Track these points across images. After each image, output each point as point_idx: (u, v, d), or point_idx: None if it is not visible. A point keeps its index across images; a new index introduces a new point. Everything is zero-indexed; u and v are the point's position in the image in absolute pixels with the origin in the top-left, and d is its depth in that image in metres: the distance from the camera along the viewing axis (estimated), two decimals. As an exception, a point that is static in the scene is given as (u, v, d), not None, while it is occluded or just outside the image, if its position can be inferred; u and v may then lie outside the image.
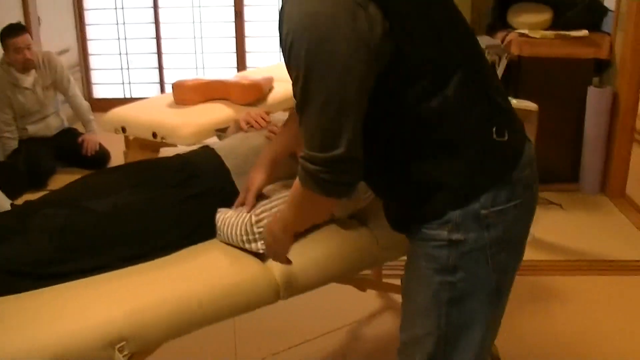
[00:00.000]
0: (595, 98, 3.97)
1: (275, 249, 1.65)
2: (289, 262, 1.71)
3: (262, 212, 1.86)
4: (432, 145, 1.35)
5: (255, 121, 2.21)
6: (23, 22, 4.68)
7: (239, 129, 2.26)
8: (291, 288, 1.85)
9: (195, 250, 1.91)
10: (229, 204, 1.96)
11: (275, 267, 1.84)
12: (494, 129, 1.36)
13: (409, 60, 1.27)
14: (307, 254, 1.89)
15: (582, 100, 4.01)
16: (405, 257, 1.52)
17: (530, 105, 3.25)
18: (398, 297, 2.79)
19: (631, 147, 4.00)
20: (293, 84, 1.27)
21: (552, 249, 3.40)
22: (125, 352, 1.61)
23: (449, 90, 1.30)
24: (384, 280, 2.88)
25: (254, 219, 1.84)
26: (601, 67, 4.06)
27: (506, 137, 1.37)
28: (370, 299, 2.91)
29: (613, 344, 2.62)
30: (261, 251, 1.86)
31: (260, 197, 1.92)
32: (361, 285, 2.68)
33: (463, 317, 1.42)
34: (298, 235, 1.90)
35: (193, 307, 1.70)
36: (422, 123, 1.32)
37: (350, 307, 2.83)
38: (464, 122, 1.34)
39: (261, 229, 1.83)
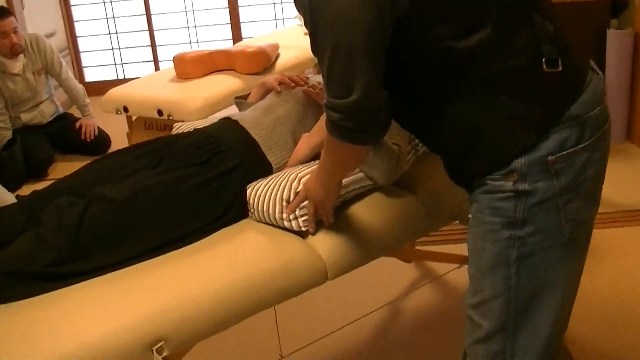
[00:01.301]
0: (616, 41, 3.81)
1: (317, 204, 1.62)
2: (331, 221, 1.66)
3: (298, 185, 1.69)
4: (474, 87, 1.23)
5: (290, 79, 2.01)
6: (5, 5, 4.48)
7: (264, 93, 2.07)
8: (338, 266, 1.69)
9: (228, 233, 1.73)
10: (260, 178, 1.79)
11: (319, 245, 1.67)
12: (544, 60, 1.21)
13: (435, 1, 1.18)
14: (352, 229, 1.72)
15: (601, 45, 3.84)
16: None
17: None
18: (438, 266, 2.77)
19: (655, 90, 3.84)
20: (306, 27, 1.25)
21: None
22: (165, 353, 1.44)
23: (485, 23, 1.19)
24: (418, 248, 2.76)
25: (292, 193, 1.67)
26: (618, 9, 3.89)
27: (560, 68, 1.22)
28: (410, 271, 2.79)
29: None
30: (303, 229, 1.68)
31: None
32: (406, 256, 2.53)
33: (535, 276, 1.29)
34: (342, 210, 1.75)
35: (235, 297, 1.53)
36: (460, 63, 1.22)
37: (391, 281, 2.71)
38: (505, 56, 1.21)
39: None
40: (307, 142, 1.83)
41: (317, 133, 1.82)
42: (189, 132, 1.93)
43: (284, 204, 1.69)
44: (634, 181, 3.51)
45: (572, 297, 1.37)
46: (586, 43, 3.87)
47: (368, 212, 1.78)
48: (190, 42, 5.88)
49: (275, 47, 3.57)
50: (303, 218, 1.68)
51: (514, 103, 1.22)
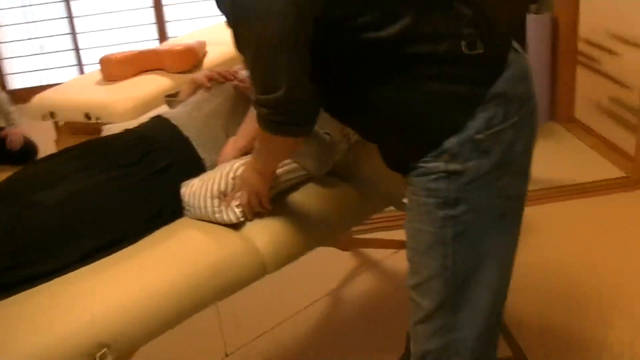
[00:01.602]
0: (535, 25, 3.91)
1: (251, 194, 1.65)
2: (268, 207, 1.69)
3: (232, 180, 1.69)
4: (400, 74, 1.26)
5: (220, 74, 2.01)
6: None
7: (194, 90, 2.07)
8: (277, 259, 1.69)
9: (165, 233, 1.72)
10: (195, 176, 1.78)
11: (257, 239, 1.68)
12: (463, 43, 1.25)
13: None
14: (288, 220, 1.73)
15: (522, 29, 3.93)
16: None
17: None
18: (375, 253, 2.80)
19: (575, 70, 3.96)
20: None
21: (516, 182, 3.35)
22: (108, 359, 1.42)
23: (404, 12, 1.22)
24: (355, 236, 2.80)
25: (228, 184, 1.68)
26: (537, -7, 4.00)
27: (480, 50, 1.26)
28: (348, 259, 2.82)
29: (592, 265, 2.62)
30: (241, 219, 1.69)
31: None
32: (344, 245, 2.56)
33: (472, 253, 1.33)
34: (277, 201, 1.76)
35: (176, 297, 1.52)
36: (383, 52, 1.25)
37: (330, 270, 2.73)
38: (426, 42, 1.24)
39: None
40: (233, 145, 1.83)
41: (243, 136, 1.82)
42: (119, 133, 1.90)
43: (221, 196, 1.70)
44: (560, 159, 3.62)
45: (509, 270, 1.42)
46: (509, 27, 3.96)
47: (304, 202, 1.79)
48: (116, 44, 5.77)
49: (203, 44, 3.54)
50: (239, 209, 1.69)
51: (439, 86, 1.25)
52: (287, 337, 2.38)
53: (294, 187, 1.81)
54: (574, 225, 2.94)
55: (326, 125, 1.79)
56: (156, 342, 1.56)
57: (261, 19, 1.19)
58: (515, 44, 1.36)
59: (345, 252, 2.81)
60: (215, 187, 1.69)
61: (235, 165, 1.71)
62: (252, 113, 1.77)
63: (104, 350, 1.41)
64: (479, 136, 1.26)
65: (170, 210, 1.75)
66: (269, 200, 1.69)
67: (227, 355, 2.29)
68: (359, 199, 1.88)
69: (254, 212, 1.69)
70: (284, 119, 1.32)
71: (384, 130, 1.35)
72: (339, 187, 1.87)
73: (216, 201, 1.70)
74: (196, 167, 1.82)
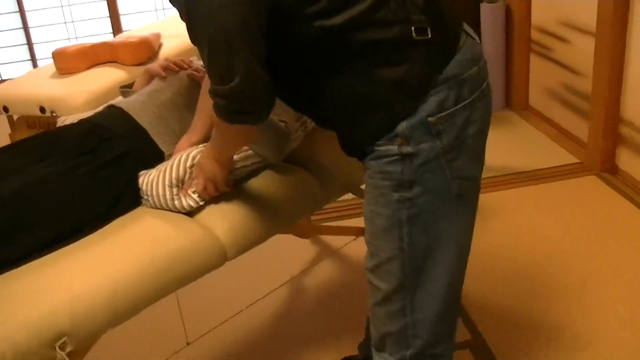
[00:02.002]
0: (489, 14, 3.97)
1: (207, 180, 1.65)
2: (226, 190, 1.70)
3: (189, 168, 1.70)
4: (352, 60, 1.28)
5: (175, 64, 2.00)
6: None
7: (148, 81, 2.05)
8: (237, 246, 1.69)
9: (123, 222, 1.70)
10: (151, 165, 1.77)
11: (217, 227, 1.68)
12: (413, 29, 1.27)
13: None
14: (247, 208, 1.74)
15: (476, 18, 3.98)
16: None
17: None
18: (334, 240, 2.82)
19: (529, 58, 4.02)
20: None
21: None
22: (69, 349, 1.41)
23: (354, 1, 1.24)
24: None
25: (186, 171, 1.68)
26: (490, -17, 4.05)
27: (429, 36, 1.27)
28: (308, 247, 2.83)
29: (548, 248, 2.66)
30: (201, 202, 1.70)
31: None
32: (303, 232, 2.57)
33: (427, 235, 1.35)
34: (236, 189, 1.76)
35: (135, 286, 1.52)
36: (335, 39, 1.26)
37: (290, 258, 2.74)
38: (377, 29, 1.26)
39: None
40: (187, 141, 1.82)
41: (196, 132, 1.82)
42: (73, 124, 1.88)
43: (179, 184, 1.70)
44: (515, 146, 3.68)
45: (466, 251, 1.45)
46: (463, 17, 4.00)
47: (262, 189, 1.79)
48: (69, 38, 5.69)
49: (158, 36, 3.51)
50: (196, 195, 1.69)
51: (391, 71, 1.27)
52: (249, 325, 2.38)
53: (252, 174, 1.82)
54: (530, 211, 2.99)
55: (282, 113, 1.80)
56: (117, 330, 1.56)
57: (215, 12, 1.20)
58: (468, 29, 1.38)
59: (305, 240, 2.82)
60: (173, 174, 1.69)
61: (192, 154, 1.71)
62: (202, 106, 1.79)
63: (63, 339, 1.40)
64: (431, 119, 1.28)
65: (127, 198, 1.74)
66: (226, 184, 1.69)
67: (188, 344, 2.28)
68: (318, 186, 1.89)
69: (210, 197, 1.70)
70: (240, 108, 1.32)
71: (339, 118, 1.36)
72: (297, 174, 1.88)
73: (175, 189, 1.69)
74: (153, 155, 1.81)
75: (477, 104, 1.33)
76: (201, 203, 1.70)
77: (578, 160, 3.43)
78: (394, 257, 1.37)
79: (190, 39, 1.28)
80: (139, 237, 1.64)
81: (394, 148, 1.30)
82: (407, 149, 1.29)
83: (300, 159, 1.93)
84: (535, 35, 3.89)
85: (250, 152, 1.78)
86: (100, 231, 1.66)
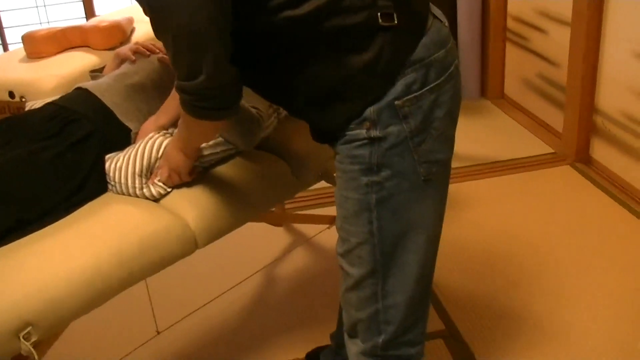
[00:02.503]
0: (465, 3, 3.96)
1: (171, 170, 1.66)
2: (188, 179, 1.70)
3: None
4: (320, 48, 1.26)
5: (145, 48, 1.97)
6: None
7: (119, 64, 2.02)
8: (208, 233, 1.67)
9: (91, 209, 1.67)
10: (118, 144, 1.75)
11: (187, 214, 1.65)
12: (379, 15, 1.25)
13: None
14: (219, 194, 1.71)
15: (452, 7, 3.97)
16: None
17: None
18: (308, 229, 2.80)
19: (504, 47, 4.02)
20: None
21: (448, 158, 3.39)
22: (34, 339, 1.38)
23: None
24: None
25: (151, 160, 1.65)
26: (466, -29, 4.03)
27: (396, 21, 1.26)
28: (281, 235, 2.81)
29: (522, 238, 2.67)
30: (169, 189, 1.69)
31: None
32: (276, 220, 2.55)
33: (397, 219, 1.34)
34: (207, 175, 1.74)
35: (103, 274, 1.49)
36: (301, 29, 1.25)
37: (263, 246, 2.72)
38: (343, 16, 1.24)
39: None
40: (155, 122, 1.79)
41: (164, 113, 1.79)
42: (39, 107, 1.84)
43: (148, 174, 1.68)
44: (490, 136, 3.68)
45: (436, 236, 1.44)
46: (438, 4, 3.98)
47: (234, 176, 1.77)
48: (41, 23, 5.60)
49: (130, 20, 3.45)
50: (161, 183, 1.68)
51: (359, 58, 1.25)
52: (220, 314, 2.36)
53: (224, 160, 1.79)
54: (504, 201, 2.99)
55: (254, 100, 1.77)
56: (85, 319, 1.53)
57: (180, 9, 1.19)
58: (436, 11, 1.37)
59: (278, 228, 2.80)
60: (144, 163, 1.67)
61: (157, 143, 1.69)
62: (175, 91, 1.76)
63: (28, 329, 1.37)
64: (398, 102, 1.27)
65: (95, 180, 1.71)
66: (189, 174, 1.69)
67: (158, 333, 2.26)
68: (290, 173, 1.87)
69: (174, 185, 1.70)
70: (207, 104, 1.32)
71: (310, 105, 1.35)
72: (269, 161, 1.85)
73: (144, 179, 1.68)
74: (121, 136, 1.78)
75: (444, 87, 1.33)
76: (169, 190, 1.68)
77: (552, 150, 3.44)
78: (364, 242, 1.36)
79: (154, 33, 1.27)
80: (107, 224, 1.60)
81: (362, 132, 1.29)
82: (375, 132, 1.28)
83: (274, 146, 1.90)
84: (511, 24, 3.89)
85: (220, 139, 1.75)
86: (67, 218, 1.63)
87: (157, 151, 1.68)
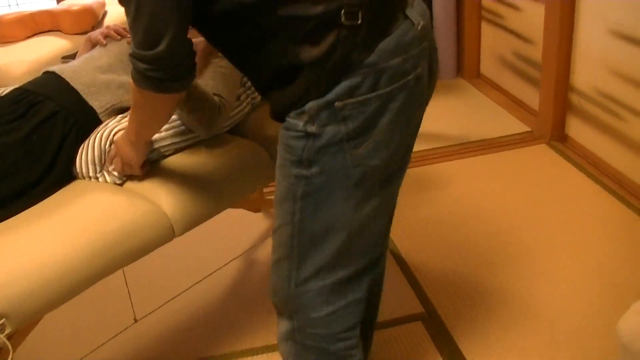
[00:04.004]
0: (440, -19, 3.94)
1: (123, 162, 1.66)
2: (142, 174, 1.71)
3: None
4: (276, 36, 1.24)
5: (115, 31, 1.95)
6: None
7: (90, 49, 1.99)
8: (185, 221, 1.66)
9: (65, 196, 1.65)
10: (83, 123, 1.74)
11: (163, 201, 1.64)
12: (343, 12, 1.21)
13: None
14: (195, 182, 1.70)
15: (427, -15, 3.96)
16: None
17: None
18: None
19: (480, 25, 4.01)
20: None
21: (424, 139, 3.40)
22: (8, 330, 1.36)
23: None
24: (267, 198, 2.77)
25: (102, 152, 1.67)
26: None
27: (359, 21, 1.21)
28: (260, 220, 2.80)
29: (499, 218, 2.67)
30: (124, 178, 1.71)
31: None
32: (254, 206, 2.53)
33: (319, 216, 1.33)
34: (182, 162, 1.72)
35: (79, 264, 1.47)
36: (255, 14, 1.23)
37: (242, 232, 2.71)
38: (298, 5, 1.21)
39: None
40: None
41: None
42: (6, 92, 1.82)
43: (101, 162, 1.70)
44: (466, 115, 3.68)
45: (361, 239, 1.41)
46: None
47: (210, 162, 1.75)
48: (10, 5, 5.51)
49: (102, 4, 3.40)
50: (115, 172, 1.69)
51: (308, 51, 1.22)
52: (198, 301, 2.34)
53: (200, 146, 1.78)
54: (481, 180, 3.00)
55: (217, 87, 1.77)
56: (62, 308, 1.52)
57: None
58: (415, 10, 1.31)
59: (257, 214, 2.78)
60: (95, 153, 1.69)
61: (107, 131, 1.70)
62: None
63: (2, 321, 1.35)
64: (338, 103, 1.23)
65: (63, 159, 1.71)
66: (141, 169, 1.69)
67: (136, 321, 2.24)
68: (267, 158, 1.85)
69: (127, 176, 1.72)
70: (161, 75, 1.31)
71: (267, 82, 1.33)
72: (246, 147, 1.84)
73: (97, 167, 1.70)
74: (87, 115, 1.78)
75: (396, 95, 1.27)
76: (123, 179, 1.70)
77: (529, 129, 3.45)
78: (285, 226, 1.36)
79: (118, 1, 1.25)
80: (82, 213, 1.59)
81: (300, 124, 1.26)
82: (312, 128, 1.26)
83: (250, 130, 1.89)
84: (486, 2, 3.88)
85: (180, 128, 1.75)
86: (41, 206, 1.61)
87: (107, 139, 1.69)
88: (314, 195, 1.31)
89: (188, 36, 1.29)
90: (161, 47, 1.25)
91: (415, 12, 1.30)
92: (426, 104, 1.43)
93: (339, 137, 1.25)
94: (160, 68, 1.29)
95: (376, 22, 1.23)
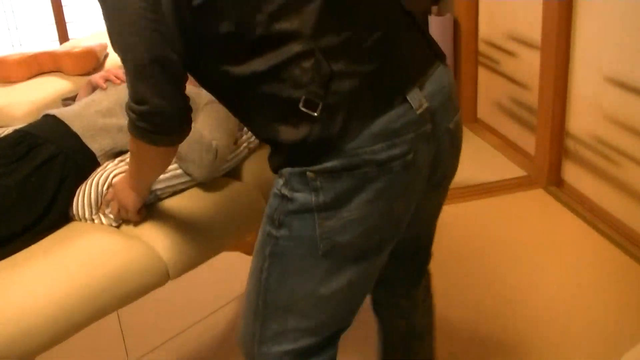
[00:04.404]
0: (437, 27, 3.99)
1: (122, 208, 1.67)
2: (139, 218, 1.72)
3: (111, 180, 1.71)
4: (256, 105, 1.25)
5: (115, 76, 1.97)
6: None
7: (90, 92, 2.02)
8: (180, 265, 1.66)
9: (62, 237, 1.67)
10: (83, 166, 1.77)
11: (158, 244, 1.64)
12: (303, 97, 1.18)
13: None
14: (191, 225, 1.71)
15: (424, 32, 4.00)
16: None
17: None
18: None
19: (477, 70, 4.05)
20: None
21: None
22: (0, 372, 1.36)
23: (256, 54, 1.19)
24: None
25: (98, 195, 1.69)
26: (438, -4, 4.09)
27: (316, 113, 1.18)
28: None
29: (496, 262, 2.66)
30: (119, 221, 1.72)
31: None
32: (250, 249, 2.52)
33: (284, 281, 1.30)
34: (178, 205, 1.74)
35: (72, 307, 1.47)
36: (239, 85, 1.23)
37: (237, 275, 2.70)
38: (278, 85, 1.19)
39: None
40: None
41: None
42: (6, 134, 1.85)
43: (97, 204, 1.71)
44: (464, 159, 3.54)
45: (330, 310, 1.35)
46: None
47: (206, 206, 1.76)
48: (13, 45, 5.57)
49: (104, 46, 3.44)
50: (111, 215, 1.70)
51: (286, 132, 1.21)
52: (192, 344, 2.33)
53: (197, 190, 1.79)
54: (478, 225, 3.00)
55: (214, 131, 1.79)
56: (55, 348, 1.51)
57: (125, 37, 1.21)
58: (420, 94, 1.25)
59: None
60: (92, 196, 1.70)
61: (105, 175, 1.72)
62: None
63: (-6, 363, 1.35)
64: (310, 174, 1.21)
65: (62, 201, 1.73)
66: (137, 213, 1.69)
67: (130, 364, 2.23)
68: (263, 203, 1.86)
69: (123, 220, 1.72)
70: (152, 128, 1.31)
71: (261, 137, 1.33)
72: (241, 191, 1.85)
73: (93, 210, 1.71)
74: (86, 158, 1.80)
75: (375, 177, 1.22)
76: (119, 222, 1.71)
77: (525, 173, 3.47)
78: (254, 281, 1.34)
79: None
80: (77, 255, 1.60)
81: (280, 183, 1.26)
82: (285, 190, 1.24)
83: (246, 174, 1.90)
84: (482, 48, 3.93)
85: (177, 171, 1.77)
86: (37, 246, 1.62)
87: (105, 182, 1.70)
88: (281, 258, 1.28)
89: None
90: (146, 106, 1.26)
91: (425, 92, 1.26)
92: (436, 188, 1.41)
93: (309, 206, 1.23)
94: (150, 122, 1.29)
95: (357, 109, 1.20)
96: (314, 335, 1.36)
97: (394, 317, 1.72)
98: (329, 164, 1.20)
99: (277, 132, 1.22)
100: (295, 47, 1.17)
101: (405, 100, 1.23)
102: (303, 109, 1.18)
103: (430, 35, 1.38)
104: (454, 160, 1.44)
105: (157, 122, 1.29)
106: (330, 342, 1.39)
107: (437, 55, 1.35)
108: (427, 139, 1.27)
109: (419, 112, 1.23)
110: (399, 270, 1.61)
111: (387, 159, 1.22)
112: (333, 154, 1.20)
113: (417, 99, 1.24)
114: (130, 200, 1.64)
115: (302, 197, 1.23)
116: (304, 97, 1.18)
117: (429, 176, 1.34)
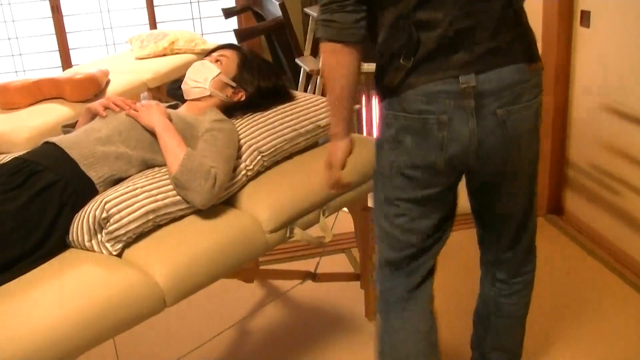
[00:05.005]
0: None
1: (329, 162, 1.75)
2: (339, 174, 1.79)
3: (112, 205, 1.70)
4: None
5: (115, 103, 1.97)
6: None
7: (90, 119, 2.02)
8: (176, 292, 1.66)
9: (59, 265, 1.66)
10: (81, 193, 1.76)
11: (155, 272, 1.64)
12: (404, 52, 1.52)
13: None
14: (188, 252, 1.70)
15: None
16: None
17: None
18: (281, 284, 2.77)
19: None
20: None
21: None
22: (-6, 400, 1.35)
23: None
24: (261, 267, 2.76)
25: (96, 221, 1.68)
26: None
27: (409, 65, 1.52)
28: (253, 290, 2.78)
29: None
30: (114, 253, 1.70)
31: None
32: (247, 276, 2.52)
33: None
34: (175, 231, 1.73)
35: (68, 335, 1.46)
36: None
37: (235, 302, 2.69)
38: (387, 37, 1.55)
39: (114, 226, 1.68)
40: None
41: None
42: (5, 162, 1.85)
43: (94, 230, 1.69)
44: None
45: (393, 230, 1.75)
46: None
47: (204, 233, 1.76)
48: (17, 71, 5.60)
49: (106, 73, 3.47)
50: (110, 244, 1.68)
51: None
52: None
53: (195, 217, 1.79)
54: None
55: (213, 158, 1.79)
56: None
57: None
58: (476, 77, 1.51)
59: (251, 284, 2.77)
60: (90, 221, 1.69)
61: (105, 201, 1.70)
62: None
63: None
64: (385, 111, 1.63)
65: (60, 228, 1.72)
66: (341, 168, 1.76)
67: (125, 392, 2.21)
68: (260, 230, 1.85)
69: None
70: (327, 17, 1.52)
71: None
72: (240, 218, 1.85)
73: (92, 236, 1.70)
74: (85, 186, 1.80)
75: (416, 123, 1.56)
76: (118, 250, 1.70)
77: (529, 201, 3.45)
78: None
79: None
80: (74, 282, 1.59)
81: None
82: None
83: (245, 202, 1.90)
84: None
85: (175, 198, 1.77)
86: (34, 274, 1.62)
87: (102, 208, 1.68)
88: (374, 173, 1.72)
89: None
90: None
91: (484, 77, 1.51)
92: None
93: (384, 138, 1.63)
94: (326, 10, 1.51)
95: (421, 71, 1.52)
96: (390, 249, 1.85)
97: (489, 286, 2.09)
98: (394, 100, 1.57)
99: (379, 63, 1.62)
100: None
101: (456, 77, 1.51)
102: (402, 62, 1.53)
103: (529, 36, 1.59)
104: (513, 151, 1.62)
105: (334, 9, 1.50)
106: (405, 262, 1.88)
107: (524, 54, 1.56)
108: (466, 111, 1.52)
109: (462, 86, 1.50)
110: (490, 235, 2.00)
111: (426, 111, 1.53)
112: (398, 94, 1.55)
113: (468, 78, 1.50)
114: (334, 150, 1.71)
115: (384, 129, 1.64)
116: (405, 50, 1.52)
117: (476, 152, 1.56)
